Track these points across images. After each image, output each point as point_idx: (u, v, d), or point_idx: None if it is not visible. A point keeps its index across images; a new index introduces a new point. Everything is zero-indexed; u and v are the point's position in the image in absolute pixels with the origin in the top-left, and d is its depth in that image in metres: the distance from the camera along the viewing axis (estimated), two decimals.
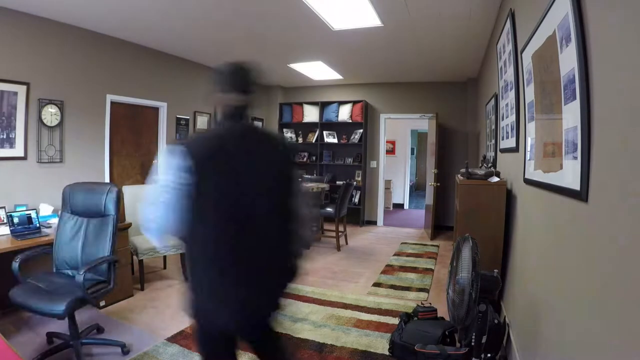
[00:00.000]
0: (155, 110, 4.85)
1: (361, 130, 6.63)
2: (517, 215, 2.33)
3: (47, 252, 2.47)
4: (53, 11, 3.34)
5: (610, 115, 0.98)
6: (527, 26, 1.98)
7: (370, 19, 3.48)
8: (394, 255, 4.84)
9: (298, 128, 7.22)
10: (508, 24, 2.57)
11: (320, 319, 2.90)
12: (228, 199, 1.24)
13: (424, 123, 7.17)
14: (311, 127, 7.05)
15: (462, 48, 4.36)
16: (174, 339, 2.53)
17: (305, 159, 7.17)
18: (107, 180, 4.14)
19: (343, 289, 3.60)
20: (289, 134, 7.22)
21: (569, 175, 1.27)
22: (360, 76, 6.30)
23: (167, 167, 1.19)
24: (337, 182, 6.69)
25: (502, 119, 3.00)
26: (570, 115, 1.25)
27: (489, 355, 1.90)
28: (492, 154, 3.55)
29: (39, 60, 3.43)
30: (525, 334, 1.89)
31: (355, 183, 6.48)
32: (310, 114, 6.98)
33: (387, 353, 2.36)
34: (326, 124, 6.90)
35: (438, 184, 5.94)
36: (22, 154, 3.32)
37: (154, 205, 1.21)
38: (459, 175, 3.03)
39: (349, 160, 6.79)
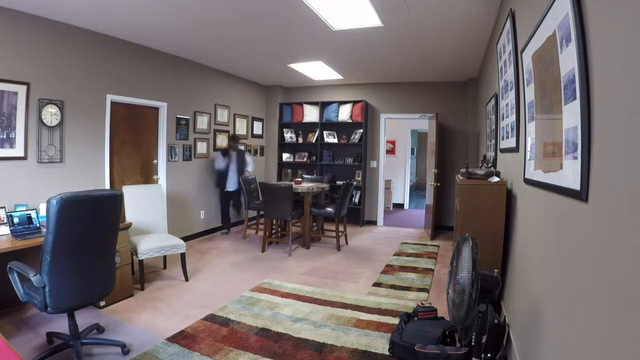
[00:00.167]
0: (155, 110, 4.85)
1: (361, 130, 6.63)
2: (517, 215, 2.33)
3: None
4: (53, 11, 3.35)
5: (610, 115, 0.98)
6: (527, 26, 1.98)
7: (370, 19, 3.48)
8: (394, 255, 4.84)
9: (298, 128, 7.22)
10: (508, 24, 2.57)
11: (320, 319, 2.90)
12: None
13: (424, 123, 7.17)
14: (311, 127, 7.05)
15: (462, 48, 4.36)
16: (174, 339, 2.53)
17: (305, 159, 7.18)
18: (107, 180, 4.14)
19: (343, 289, 3.60)
20: (289, 134, 7.22)
21: (569, 175, 1.27)
22: (360, 76, 6.30)
23: None
24: (337, 182, 6.69)
25: (502, 119, 3.01)
26: (570, 115, 1.25)
27: (489, 355, 1.90)
28: (492, 154, 3.55)
29: (39, 60, 3.43)
30: (525, 334, 1.89)
31: (355, 183, 6.47)
32: (311, 114, 6.98)
33: (387, 353, 2.37)
34: (326, 124, 6.90)
35: (438, 184, 5.95)
36: (22, 154, 3.33)
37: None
38: (459, 175, 3.03)
39: (349, 160, 6.79)
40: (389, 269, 4.24)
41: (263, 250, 4.89)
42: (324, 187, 5.47)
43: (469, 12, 3.29)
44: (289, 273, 4.04)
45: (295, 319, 2.88)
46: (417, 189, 11.85)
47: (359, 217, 6.74)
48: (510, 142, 2.56)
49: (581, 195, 1.14)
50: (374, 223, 6.88)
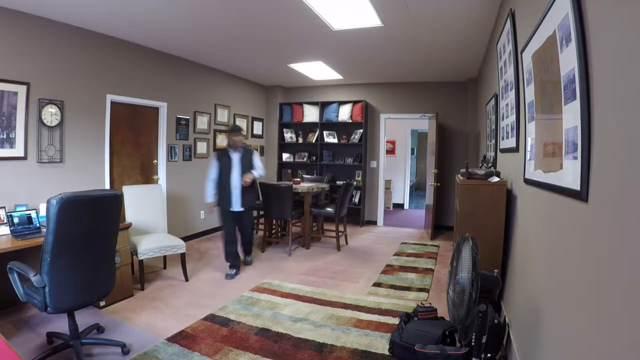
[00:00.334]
0: (155, 110, 4.85)
1: (361, 130, 6.63)
2: (517, 215, 2.33)
3: None
4: (53, 11, 3.34)
5: (610, 115, 0.98)
6: (527, 26, 1.98)
7: (370, 19, 3.48)
8: (394, 255, 4.84)
9: (298, 128, 7.22)
10: (508, 24, 2.57)
11: (320, 319, 2.90)
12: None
13: (424, 123, 7.17)
14: (311, 127, 7.05)
15: (462, 48, 4.36)
16: (174, 339, 2.53)
17: (305, 159, 7.18)
18: (107, 180, 4.14)
19: (343, 289, 3.60)
20: (289, 134, 7.22)
21: (569, 175, 1.27)
22: (360, 76, 6.30)
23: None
24: (337, 182, 6.69)
25: (502, 119, 3.00)
26: (570, 115, 1.25)
27: (489, 355, 1.90)
28: (492, 154, 3.55)
29: (39, 60, 3.43)
30: (525, 334, 1.89)
31: (355, 183, 6.47)
32: (311, 114, 6.98)
33: (387, 353, 2.37)
34: (326, 124, 6.90)
35: (438, 184, 5.95)
36: (22, 154, 3.32)
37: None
38: (458, 176, 3.03)
39: (349, 160, 6.79)
40: (389, 269, 4.24)
41: (263, 250, 4.89)
42: (324, 187, 5.47)
43: (469, 12, 3.29)
44: (289, 273, 4.04)
45: (295, 319, 2.88)
46: (417, 189, 11.85)
47: (359, 217, 6.74)
48: (510, 142, 2.56)
49: (581, 195, 1.14)
50: (374, 223, 6.88)
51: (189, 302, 3.20)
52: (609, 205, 0.98)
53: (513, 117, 2.45)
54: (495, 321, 1.91)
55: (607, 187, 0.99)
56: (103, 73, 4.05)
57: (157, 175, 4.89)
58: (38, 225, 3.01)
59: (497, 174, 2.76)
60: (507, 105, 2.75)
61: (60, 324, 2.67)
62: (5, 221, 2.89)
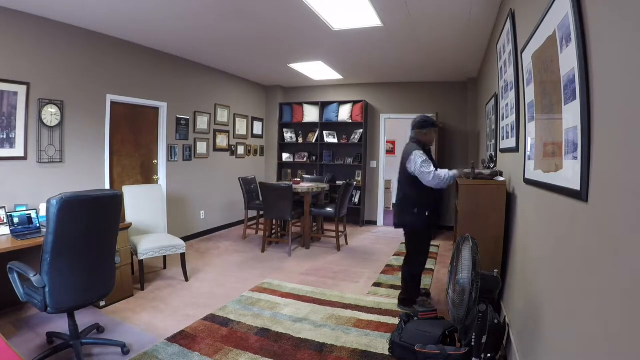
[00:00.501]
0: (155, 110, 4.85)
1: (361, 130, 6.63)
2: (517, 215, 2.33)
3: None
4: (53, 11, 3.35)
5: (610, 115, 0.98)
6: (527, 26, 1.98)
7: (370, 19, 3.48)
8: (394, 255, 4.84)
9: (298, 128, 7.22)
10: (508, 24, 2.57)
11: (320, 319, 2.90)
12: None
13: None
14: (311, 127, 7.05)
15: (462, 48, 4.36)
16: (174, 339, 2.53)
17: (305, 159, 7.18)
18: (107, 180, 4.14)
19: (343, 289, 3.60)
20: (289, 134, 7.22)
21: (569, 175, 1.27)
22: (360, 76, 6.30)
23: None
24: (337, 182, 6.69)
25: (502, 119, 3.00)
26: (570, 115, 1.25)
27: (489, 355, 1.90)
28: (492, 153, 3.55)
29: (39, 60, 3.43)
30: (525, 334, 1.89)
31: (355, 183, 6.47)
32: (311, 114, 6.98)
33: (387, 353, 2.36)
34: (326, 124, 6.90)
35: None
36: (22, 154, 3.32)
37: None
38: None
39: (349, 160, 6.79)
40: (389, 269, 4.24)
41: (263, 250, 4.89)
42: (324, 187, 5.47)
43: (469, 12, 3.29)
44: (289, 273, 4.04)
45: (295, 319, 2.88)
46: None
47: (359, 217, 6.74)
48: (510, 142, 2.56)
49: (581, 195, 1.14)
50: (374, 223, 6.88)
51: (189, 302, 3.20)
52: (609, 205, 0.98)
53: (513, 117, 2.45)
54: (495, 321, 1.91)
55: (607, 187, 0.99)
56: (103, 73, 4.05)
57: (157, 175, 4.89)
58: (38, 225, 3.01)
59: (501, 174, 2.77)
60: (507, 105, 2.75)
61: (60, 324, 2.67)
62: (5, 221, 2.89)
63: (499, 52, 3.10)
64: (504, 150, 2.94)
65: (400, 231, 3.20)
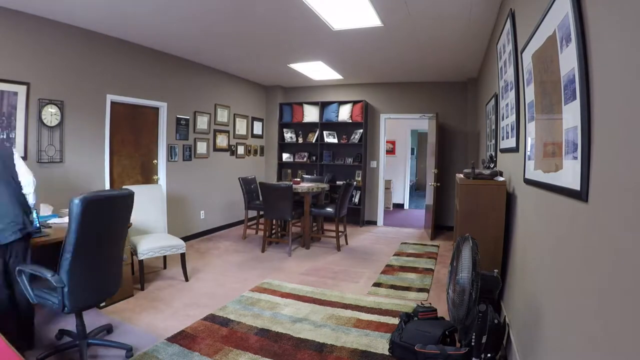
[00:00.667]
0: (155, 110, 4.85)
1: (361, 130, 6.63)
2: (517, 215, 2.33)
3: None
4: (53, 11, 3.34)
5: (610, 115, 0.98)
6: (527, 26, 1.98)
7: (370, 19, 3.48)
8: (394, 255, 4.84)
9: (298, 128, 7.22)
10: (508, 24, 2.57)
11: (320, 319, 2.90)
12: None
13: (424, 123, 7.17)
14: (311, 127, 7.05)
15: (462, 48, 4.36)
16: (174, 339, 2.53)
17: (305, 159, 7.18)
18: (107, 180, 4.14)
19: (343, 289, 3.60)
20: (289, 134, 7.22)
21: (569, 175, 1.27)
22: (360, 76, 6.30)
23: None
24: (337, 182, 6.69)
25: (502, 119, 3.01)
26: (570, 115, 1.25)
27: (489, 355, 1.90)
28: (492, 153, 3.55)
29: (39, 60, 3.43)
30: (525, 334, 1.89)
31: (355, 183, 6.47)
32: (310, 114, 6.98)
33: (387, 353, 2.37)
34: (326, 124, 6.90)
35: (438, 184, 5.95)
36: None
37: None
38: (460, 175, 3.03)
39: (349, 160, 6.79)
40: (389, 269, 4.24)
41: (263, 250, 4.89)
42: (324, 187, 5.47)
43: (469, 12, 3.29)
44: (289, 273, 4.04)
45: (295, 319, 2.88)
46: (417, 189, 11.85)
47: (359, 217, 6.74)
48: (510, 142, 2.57)
49: (581, 195, 1.14)
50: (374, 223, 6.88)
51: (189, 302, 3.20)
52: (609, 205, 0.98)
53: (513, 117, 2.46)
54: (495, 321, 1.91)
55: (607, 187, 0.99)
56: (103, 73, 4.05)
57: (157, 175, 4.89)
58: (38, 225, 3.00)
59: (501, 174, 2.77)
60: (507, 105, 2.75)
61: (61, 324, 2.67)
62: None
63: (499, 52, 3.10)
64: (504, 150, 2.94)
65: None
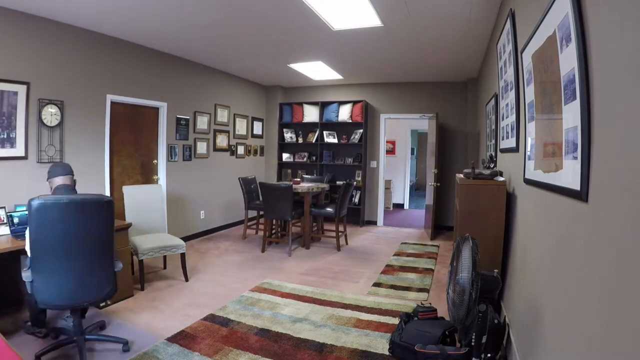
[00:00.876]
0: (155, 110, 4.85)
1: (361, 130, 6.63)
2: (517, 215, 2.33)
3: None
4: (53, 11, 3.34)
5: (610, 115, 0.98)
6: (527, 26, 1.98)
7: (370, 19, 3.48)
8: (394, 255, 4.84)
9: (298, 128, 7.22)
10: (508, 24, 2.57)
11: (320, 319, 2.90)
12: None
13: (424, 123, 7.18)
14: (311, 127, 7.05)
15: (462, 48, 4.36)
16: (174, 339, 2.53)
17: (305, 159, 7.18)
18: (107, 180, 4.14)
19: (343, 289, 3.60)
20: (289, 134, 7.22)
21: (569, 175, 1.27)
22: (360, 76, 6.30)
23: None
24: (337, 182, 6.69)
25: (502, 119, 3.01)
26: (570, 115, 1.25)
27: (489, 355, 1.90)
28: (492, 153, 3.55)
29: (39, 60, 3.43)
30: (525, 334, 1.89)
31: (355, 183, 6.48)
32: (310, 114, 6.98)
33: (387, 353, 2.37)
34: (326, 124, 6.90)
35: (438, 184, 5.95)
36: (22, 154, 3.33)
37: None
38: (459, 175, 3.03)
39: (349, 160, 6.79)
40: (389, 269, 4.24)
41: (263, 250, 4.89)
42: (324, 187, 5.47)
43: (469, 12, 3.29)
44: (289, 273, 4.04)
45: (295, 319, 2.88)
46: (417, 189, 11.85)
47: (359, 217, 6.74)
48: (510, 142, 2.57)
49: (581, 195, 1.14)
50: (374, 223, 6.88)
51: (189, 302, 3.20)
52: (609, 205, 0.98)
53: (513, 117, 2.45)
54: (495, 321, 1.91)
55: (607, 187, 0.99)
56: (103, 73, 4.05)
57: (157, 175, 4.89)
58: None
59: (501, 174, 2.77)
60: (507, 105, 2.75)
61: (61, 323, 2.67)
62: (5, 221, 2.89)
63: (499, 52, 3.10)
64: (504, 150, 2.94)
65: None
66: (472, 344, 1.92)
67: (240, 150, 6.58)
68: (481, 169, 3.14)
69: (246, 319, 2.87)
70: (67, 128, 3.70)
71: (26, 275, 2.07)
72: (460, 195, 2.72)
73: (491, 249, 2.54)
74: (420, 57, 4.88)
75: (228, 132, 6.20)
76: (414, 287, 3.63)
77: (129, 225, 3.36)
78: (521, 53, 2.11)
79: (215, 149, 5.90)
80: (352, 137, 6.74)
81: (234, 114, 6.36)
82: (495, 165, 3.22)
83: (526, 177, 2.02)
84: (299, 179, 6.03)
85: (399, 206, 9.35)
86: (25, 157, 3.35)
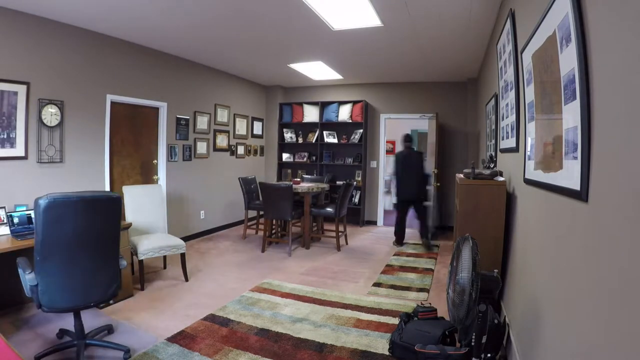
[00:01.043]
0: (155, 110, 4.85)
1: (361, 130, 6.63)
2: (517, 215, 2.33)
3: None
4: (53, 11, 3.34)
5: (610, 115, 0.98)
6: (527, 26, 1.98)
7: (370, 19, 3.48)
8: (394, 255, 4.84)
9: (298, 128, 7.22)
10: (508, 24, 2.57)
11: (320, 319, 2.90)
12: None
13: (424, 123, 7.17)
14: (311, 127, 7.05)
15: (462, 48, 4.36)
16: (174, 339, 2.53)
17: (305, 159, 7.18)
18: (107, 180, 4.14)
19: (343, 289, 3.60)
20: (289, 134, 7.22)
21: (569, 175, 1.27)
22: (360, 76, 6.30)
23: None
24: (337, 182, 6.69)
25: (502, 119, 3.00)
26: (570, 115, 1.25)
27: (489, 355, 1.90)
28: (492, 153, 3.55)
29: (39, 60, 3.43)
30: (525, 334, 1.89)
31: (355, 183, 6.47)
32: (310, 114, 6.98)
33: (387, 353, 2.37)
34: (326, 124, 6.90)
35: (438, 184, 5.95)
36: (22, 154, 3.33)
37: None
38: (459, 175, 3.03)
39: (349, 160, 6.79)
40: (389, 269, 4.24)
41: (263, 250, 4.89)
42: (324, 187, 5.47)
43: (469, 12, 3.29)
44: (289, 273, 4.04)
45: (295, 319, 2.88)
46: None
47: (359, 217, 6.74)
48: (510, 142, 2.56)
49: (581, 195, 1.14)
50: (374, 223, 6.88)
51: (189, 302, 3.20)
52: (609, 205, 0.98)
53: (513, 117, 2.45)
54: (495, 321, 1.91)
55: (607, 187, 0.99)
56: (103, 73, 4.05)
57: (157, 175, 4.89)
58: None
59: (501, 174, 2.76)
60: (507, 105, 2.75)
61: (61, 324, 2.67)
62: (5, 221, 2.89)
63: (499, 52, 3.10)
64: (504, 150, 2.94)
65: None
66: (472, 344, 1.92)
67: (240, 150, 6.58)
68: (481, 169, 3.14)
69: (246, 319, 2.87)
70: (67, 128, 3.70)
71: (29, 278, 1.99)
72: (460, 195, 2.72)
73: (491, 249, 2.54)
74: (420, 57, 4.88)
75: (228, 132, 6.20)
76: (414, 287, 3.63)
77: (129, 225, 3.37)
78: (521, 53, 2.11)
79: (215, 149, 5.90)
80: (352, 137, 6.74)
81: (234, 114, 6.36)
82: (495, 165, 3.22)
83: (526, 177, 2.02)
84: (299, 179, 6.03)
85: None
86: (25, 157, 3.35)
